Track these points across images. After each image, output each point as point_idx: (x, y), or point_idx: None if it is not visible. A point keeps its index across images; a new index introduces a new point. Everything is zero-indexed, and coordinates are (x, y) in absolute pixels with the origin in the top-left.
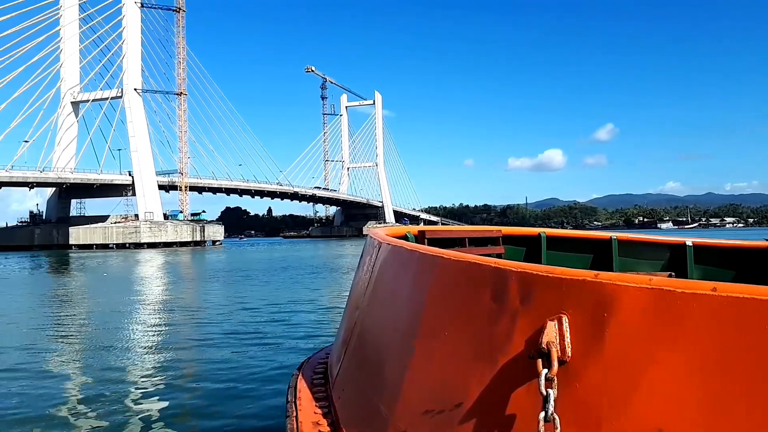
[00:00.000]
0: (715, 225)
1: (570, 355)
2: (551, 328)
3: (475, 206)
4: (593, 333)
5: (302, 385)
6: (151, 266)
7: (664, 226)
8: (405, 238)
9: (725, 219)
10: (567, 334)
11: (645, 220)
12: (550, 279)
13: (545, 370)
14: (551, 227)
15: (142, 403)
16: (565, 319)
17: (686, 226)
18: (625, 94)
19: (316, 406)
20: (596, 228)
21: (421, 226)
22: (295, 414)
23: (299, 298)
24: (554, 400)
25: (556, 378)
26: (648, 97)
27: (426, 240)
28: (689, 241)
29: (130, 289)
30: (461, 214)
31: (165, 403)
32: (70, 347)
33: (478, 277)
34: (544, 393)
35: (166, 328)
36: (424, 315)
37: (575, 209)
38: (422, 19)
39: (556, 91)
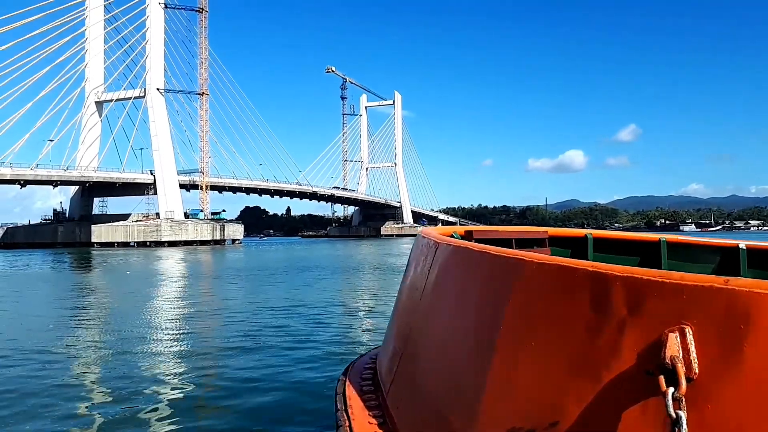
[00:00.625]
0: (739, 228)
1: (697, 371)
2: (673, 340)
3: (494, 207)
4: (726, 347)
5: (351, 392)
6: (173, 264)
7: (686, 228)
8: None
9: (750, 222)
10: (692, 348)
11: (667, 222)
12: (668, 285)
13: (671, 389)
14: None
15: (172, 407)
16: (688, 331)
17: (709, 229)
18: (649, 94)
19: (369, 415)
20: (617, 230)
21: (467, 227)
22: (348, 424)
23: (328, 299)
24: (686, 423)
25: (684, 398)
26: (672, 97)
27: (474, 241)
28: (742, 244)
29: (154, 288)
30: (480, 215)
31: (199, 412)
32: (97, 347)
33: (572, 282)
34: (674, 415)
35: (195, 329)
36: (505, 323)
37: (596, 211)
38: (442, 20)
39: (578, 91)
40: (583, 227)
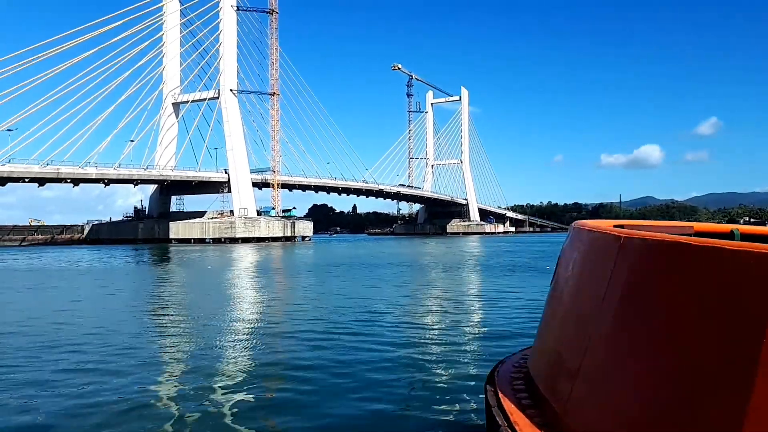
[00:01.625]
0: None
1: None
2: None
3: (565, 204)
4: None
5: (511, 406)
6: (250, 259)
7: None
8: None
9: None
10: None
11: (752, 220)
12: None
13: None
14: None
15: (276, 408)
16: None
17: None
18: (732, 85)
19: None
20: None
21: (618, 220)
22: None
23: (413, 296)
24: None
25: None
26: (756, 87)
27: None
28: None
29: (238, 282)
30: (550, 212)
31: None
32: (187, 341)
33: None
34: None
35: (295, 326)
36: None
37: (673, 208)
38: (509, 13)
39: (655, 83)
40: None
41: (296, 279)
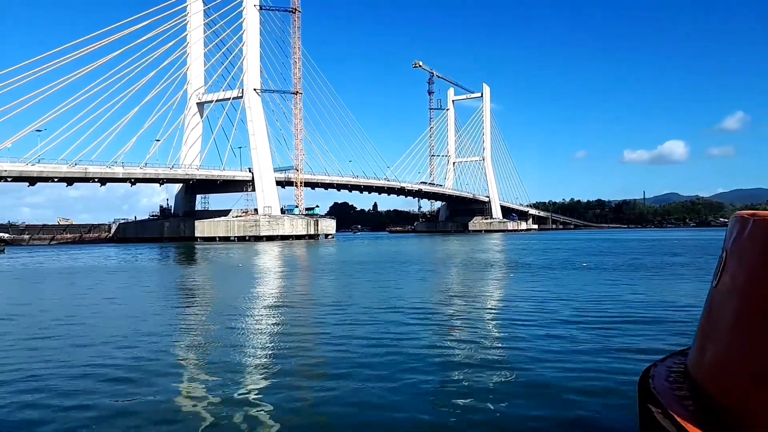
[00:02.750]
0: None
1: None
2: None
3: (588, 201)
4: None
5: (679, 410)
6: (276, 257)
7: None
8: None
9: None
10: None
11: None
12: None
13: None
14: (671, 224)
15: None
16: None
17: None
18: (759, 78)
19: None
20: (723, 225)
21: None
22: None
23: (442, 294)
24: None
25: None
26: None
27: None
28: None
29: (267, 280)
30: (572, 209)
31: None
32: (217, 343)
33: None
34: None
35: (323, 322)
36: None
37: (698, 204)
38: (531, 8)
39: (680, 77)
40: (685, 222)
41: (330, 277)
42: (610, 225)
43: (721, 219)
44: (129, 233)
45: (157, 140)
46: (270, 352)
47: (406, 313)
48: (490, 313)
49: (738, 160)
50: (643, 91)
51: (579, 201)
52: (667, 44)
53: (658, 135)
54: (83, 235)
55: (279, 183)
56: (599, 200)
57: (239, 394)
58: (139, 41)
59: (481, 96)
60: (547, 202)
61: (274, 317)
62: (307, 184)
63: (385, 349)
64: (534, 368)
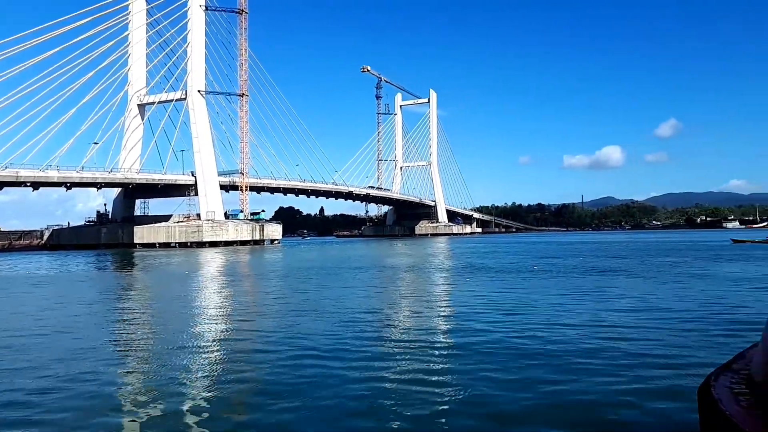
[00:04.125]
0: None
1: None
2: None
3: (529, 205)
4: None
5: (754, 422)
6: (223, 264)
7: (730, 225)
8: None
9: None
10: None
11: (708, 219)
12: None
13: None
14: (608, 227)
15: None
16: None
17: (754, 225)
18: (691, 87)
19: None
20: (656, 228)
21: None
22: None
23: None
24: None
25: None
26: (714, 91)
27: None
28: None
29: (216, 289)
30: (515, 213)
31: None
32: (150, 361)
33: None
34: None
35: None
36: None
37: (633, 208)
38: (476, 17)
39: (617, 86)
40: (621, 225)
41: (274, 285)
42: (551, 228)
43: (654, 222)
44: (63, 240)
45: (96, 143)
46: (210, 368)
47: (359, 323)
48: (449, 322)
49: (670, 166)
50: (583, 98)
51: (521, 205)
52: (604, 52)
53: (597, 141)
54: (12, 243)
55: (223, 187)
56: (540, 204)
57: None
58: (76, 40)
59: (428, 102)
60: (490, 206)
61: (215, 331)
62: (253, 188)
63: (334, 363)
64: (555, 380)
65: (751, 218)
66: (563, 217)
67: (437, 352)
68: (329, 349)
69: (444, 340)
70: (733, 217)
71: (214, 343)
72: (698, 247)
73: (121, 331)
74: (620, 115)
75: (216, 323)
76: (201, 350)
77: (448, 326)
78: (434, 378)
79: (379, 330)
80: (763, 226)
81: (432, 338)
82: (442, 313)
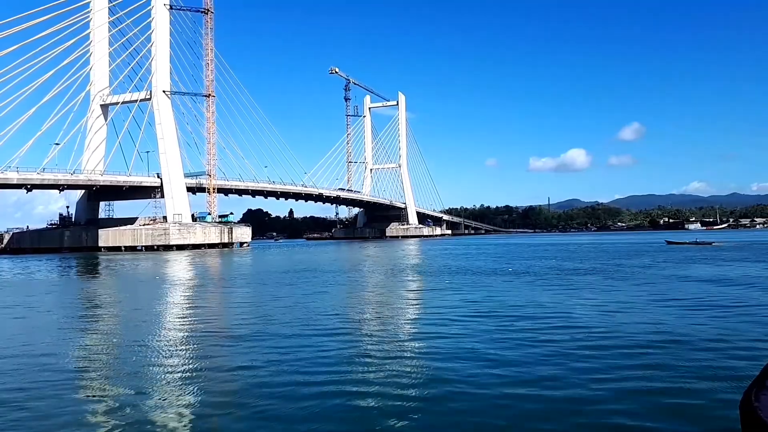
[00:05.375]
0: (744, 226)
1: None
2: None
3: (497, 207)
4: None
5: None
6: (190, 268)
7: (692, 227)
8: None
9: (755, 219)
10: None
11: (671, 220)
12: None
13: None
14: (574, 228)
15: None
16: None
17: (715, 227)
18: (653, 91)
19: None
20: (621, 229)
21: None
22: None
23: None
24: None
25: None
26: (676, 96)
27: None
28: None
29: (183, 294)
30: (483, 215)
31: None
32: (115, 371)
33: None
34: None
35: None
36: None
37: (598, 210)
38: (444, 20)
39: (582, 89)
40: (587, 227)
41: (245, 290)
42: (518, 230)
43: (619, 223)
44: (24, 244)
45: (57, 144)
46: (177, 378)
47: (334, 335)
48: (430, 328)
49: (633, 168)
50: (548, 100)
51: (489, 207)
52: (568, 57)
53: (562, 144)
54: None
55: (190, 189)
56: (507, 206)
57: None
58: (36, 37)
59: (397, 104)
60: (459, 208)
61: (183, 342)
62: (221, 190)
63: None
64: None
65: (711, 220)
66: (530, 219)
67: (416, 376)
68: (295, 364)
69: (425, 353)
70: (694, 219)
71: (180, 359)
72: (638, 249)
73: (82, 346)
74: (585, 119)
75: (182, 335)
76: (167, 367)
77: (429, 337)
78: (411, 392)
79: (353, 344)
80: (724, 228)
81: (419, 362)
82: (422, 322)
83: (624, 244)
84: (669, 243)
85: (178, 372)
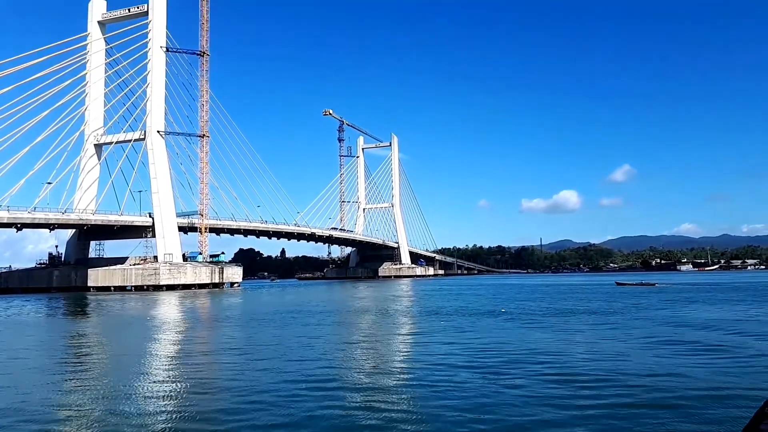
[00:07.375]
0: (736, 267)
1: None
2: None
3: (489, 247)
4: None
5: None
6: (179, 309)
7: (683, 268)
8: None
9: (746, 261)
10: None
11: (663, 262)
12: None
13: None
14: (567, 269)
15: None
16: None
17: (707, 268)
18: (644, 134)
19: None
20: (614, 270)
21: None
22: None
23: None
24: None
25: None
26: (665, 138)
27: None
28: None
29: (170, 337)
30: (476, 255)
31: None
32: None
33: None
34: None
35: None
36: None
37: (591, 251)
38: (437, 63)
39: (574, 131)
40: (579, 267)
41: (233, 335)
42: (511, 270)
43: (611, 264)
44: (12, 283)
45: (49, 183)
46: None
47: (321, 385)
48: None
49: (625, 210)
50: (540, 143)
51: (482, 247)
52: (559, 99)
53: (554, 185)
54: None
55: (182, 228)
56: (500, 246)
57: None
58: (32, 78)
59: (390, 145)
60: (452, 248)
61: (167, 395)
62: (212, 229)
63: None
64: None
65: (703, 261)
66: (523, 259)
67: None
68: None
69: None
70: (686, 260)
71: (167, 405)
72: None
73: (68, 391)
74: (576, 161)
75: (167, 387)
76: (154, 413)
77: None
78: None
79: (337, 398)
80: (715, 269)
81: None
82: (415, 374)
83: (584, 286)
84: (618, 284)
85: (159, 425)
